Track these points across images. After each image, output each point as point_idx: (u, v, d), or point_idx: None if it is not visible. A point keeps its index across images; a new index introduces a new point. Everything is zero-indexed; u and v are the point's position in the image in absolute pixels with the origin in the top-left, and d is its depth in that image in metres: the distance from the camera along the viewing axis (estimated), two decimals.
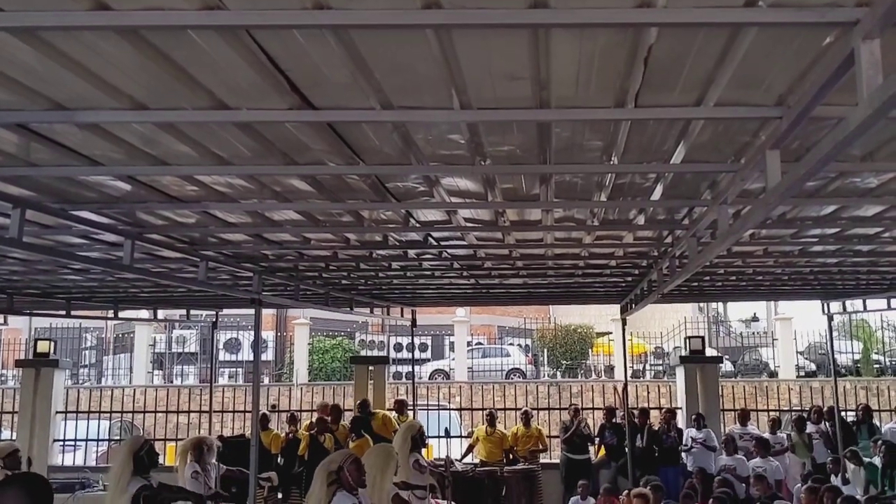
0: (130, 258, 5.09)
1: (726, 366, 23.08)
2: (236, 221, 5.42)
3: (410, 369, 14.52)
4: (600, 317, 26.16)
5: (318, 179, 4.24)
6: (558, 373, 25.81)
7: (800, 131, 3.01)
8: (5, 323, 14.41)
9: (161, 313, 13.92)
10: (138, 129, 3.33)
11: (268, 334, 25.20)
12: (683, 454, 11.38)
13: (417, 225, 5.67)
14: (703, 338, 14.25)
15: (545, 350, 26.91)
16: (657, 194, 4.54)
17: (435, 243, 6.41)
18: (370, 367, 13.53)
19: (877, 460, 9.92)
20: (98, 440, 14.64)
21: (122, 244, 5.21)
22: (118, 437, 15.11)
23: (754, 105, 3.00)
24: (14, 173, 3.90)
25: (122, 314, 12.90)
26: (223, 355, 23.97)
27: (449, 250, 6.80)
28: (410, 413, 12.30)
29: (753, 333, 29.03)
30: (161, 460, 8.03)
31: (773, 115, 3.01)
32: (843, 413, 11.99)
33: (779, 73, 2.76)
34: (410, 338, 14.08)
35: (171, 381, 24.12)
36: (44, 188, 4.31)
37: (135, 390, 20.34)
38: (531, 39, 2.46)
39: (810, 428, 11.67)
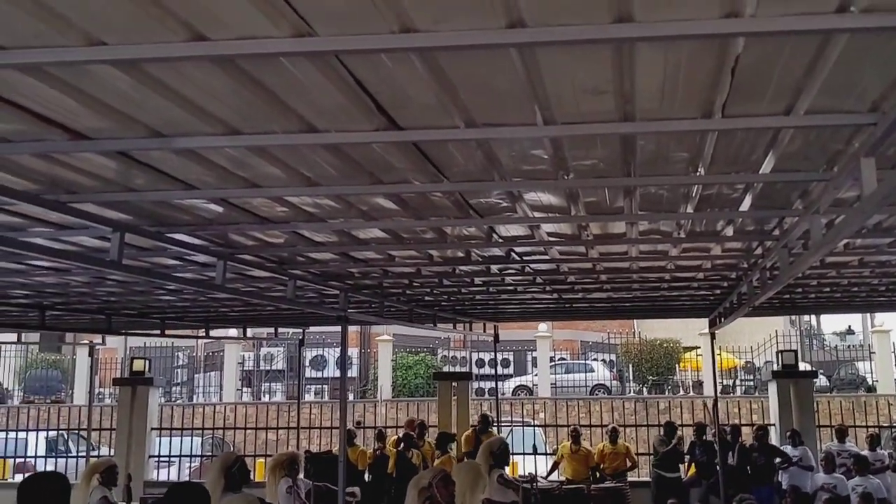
0: (223, 278, 5.26)
1: (821, 380, 22.29)
2: (323, 240, 5.54)
3: (493, 385, 14.51)
4: (687, 331, 25.62)
5: (403, 198, 4.31)
6: (644, 388, 25.36)
7: (895, 138, 2.92)
8: (103, 343, 15.03)
9: (249, 332, 14.28)
10: (230, 153, 3.44)
11: (352, 351, 25.55)
12: (779, 472, 11.04)
13: (500, 240, 5.68)
14: (795, 352, 13.84)
15: (630, 365, 26.49)
16: (746, 205, 4.44)
17: (517, 258, 6.42)
18: (453, 384, 13.58)
19: None
20: (191, 456, 15.08)
21: (215, 265, 5.40)
22: (210, 453, 15.52)
23: (847, 112, 2.92)
24: (114, 199, 4.08)
25: (212, 333, 13.31)
26: (309, 372, 24.40)
27: (531, 265, 6.80)
28: (494, 429, 12.28)
29: (849, 347, 28.05)
30: (252, 476, 8.22)
31: (866, 121, 2.93)
32: None
33: (872, 78, 2.68)
34: (493, 353, 14.09)
35: (260, 398, 24.68)
36: (141, 212, 4.49)
37: (225, 407, 20.90)
38: (615, 53, 2.46)
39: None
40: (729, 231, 5.42)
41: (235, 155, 3.47)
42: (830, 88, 2.69)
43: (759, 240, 5.77)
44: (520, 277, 7.60)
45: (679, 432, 12.06)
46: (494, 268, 6.96)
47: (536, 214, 4.76)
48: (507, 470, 9.08)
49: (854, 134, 3.22)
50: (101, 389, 24.98)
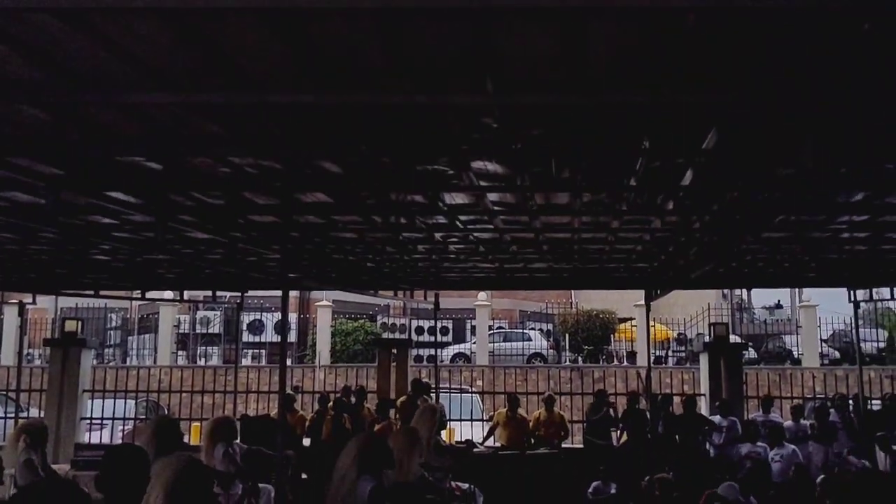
0: (162, 238, 5.15)
1: (750, 353, 22.98)
2: (265, 203, 5.45)
3: (432, 352, 14.60)
4: (622, 302, 26.10)
5: (349, 162, 4.26)
6: (580, 358, 25.81)
7: None
8: (33, 302, 14.64)
9: (186, 294, 14.06)
10: (173, 111, 3.35)
11: (290, 316, 25.39)
12: (706, 441, 11.39)
13: (444, 208, 5.67)
14: (727, 324, 14.22)
15: (567, 335, 26.91)
16: (688, 180, 4.51)
17: (461, 227, 6.42)
18: (393, 350, 13.62)
19: None
20: (124, 419, 14.86)
21: (153, 224, 5.28)
22: (144, 416, 15.31)
23: None
24: (49, 153, 3.94)
25: (147, 295, 13.07)
26: (246, 337, 24.18)
27: (475, 234, 6.81)
28: (432, 395, 12.37)
29: (777, 321, 28.92)
30: (186, 439, 8.13)
31: None
32: (868, 401, 11.94)
33: None
34: (433, 321, 14.16)
35: (195, 362, 24.38)
36: (78, 168, 4.35)
37: (160, 370, 20.60)
38: (566, 24, 2.46)
39: (833, 416, 11.61)
40: (670, 205, 5.51)
41: (178, 112, 3.38)
42: None
43: (699, 215, 5.87)
44: (463, 246, 7.61)
45: (612, 400, 12.34)
46: (438, 235, 6.96)
47: (482, 183, 4.76)
48: (444, 435, 9.17)
49: None
50: (31, 350, 24.37)
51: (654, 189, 5.01)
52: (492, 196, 5.33)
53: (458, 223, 6.28)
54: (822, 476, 9.05)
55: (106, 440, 13.82)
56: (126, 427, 15.10)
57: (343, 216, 6.00)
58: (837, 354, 24.16)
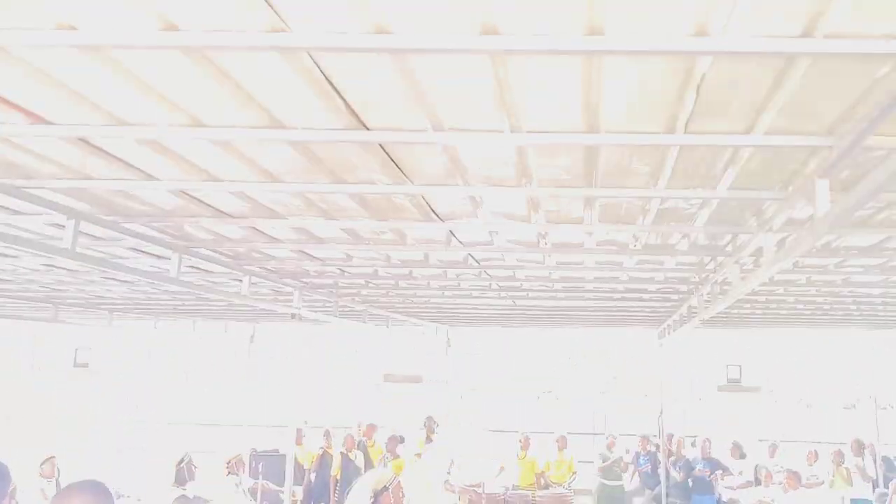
0: (178, 271, 5.20)
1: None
2: (281, 237, 5.50)
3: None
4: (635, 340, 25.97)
5: (366, 198, 4.30)
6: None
7: (849, 161, 3.01)
8: None
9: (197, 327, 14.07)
10: (193, 145, 3.41)
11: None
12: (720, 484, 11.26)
13: (460, 244, 5.70)
14: (740, 366, 14.08)
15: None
16: (702, 220, 4.53)
17: (475, 263, 6.45)
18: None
19: None
20: None
21: (170, 257, 5.33)
22: None
23: (805, 133, 3.00)
24: (71, 185, 4.00)
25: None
26: None
27: (489, 271, 6.83)
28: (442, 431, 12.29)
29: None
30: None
31: (823, 143, 3.01)
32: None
33: (830, 102, 2.76)
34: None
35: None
36: (97, 201, 4.41)
37: None
38: (585, 65, 2.50)
39: (849, 462, 11.45)
40: (683, 245, 5.52)
41: (198, 147, 3.43)
42: (790, 110, 2.77)
43: (712, 255, 5.88)
44: (476, 282, 7.63)
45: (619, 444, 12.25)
46: (452, 272, 6.98)
47: (497, 221, 4.79)
48: (454, 473, 9.12)
49: (810, 155, 3.30)
50: None
51: (668, 229, 5.02)
52: (506, 234, 5.36)
53: (472, 259, 6.31)
54: None
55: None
56: None
57: (357, 251, 6.04)
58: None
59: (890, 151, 3.05)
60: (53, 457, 9.46)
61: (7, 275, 7.42)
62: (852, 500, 10.48)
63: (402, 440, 11.13)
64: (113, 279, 7.44)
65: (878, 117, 2.56)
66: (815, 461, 11.72)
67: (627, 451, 12.05)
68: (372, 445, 10.97)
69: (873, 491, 10.61)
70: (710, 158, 3.46)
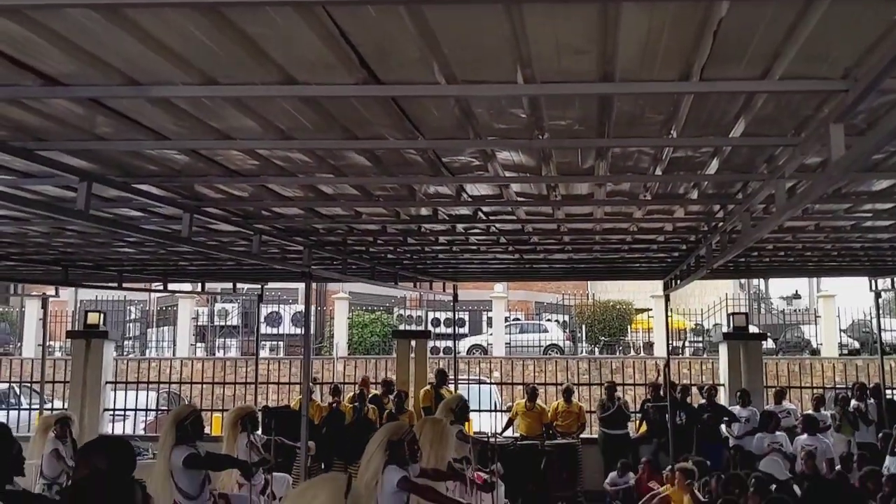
0: (189, 231, 5.21)
1: (768, 343, 22.89)
2: (291, 195, 5.51)
3: (451, 344, 14.63)
4: (639, 293, 26.08)
5: (376, 154, 4.30)
6: (596, 349, 25.80)
7: (865, 105, 3.00)
8: (56, 295, 14.78)
9: (206, 286, 14.14)
10: (205, 103, 3.40)
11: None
12: (724, 429, 11.39)
13: (469, 199, 5.71)
14: (746, 314, 14.17)
15: (583, 326, 26.90)
16: (713, 168, 4.53)
17: (484, 217, 6.46)
18: (412, 342, 13.66)
19: None
20: (146, 410, 15.01)
21: (180, 217, 5.34)
22: (165, 408, 15.44)
23: (820, 78, 2.98)
24: (82, 147, 4.00)
25: (168, 287, 13.18)
26: (264, 328, 24.30)
27: (497, 225, 6.84)
28: (451, 387, 12.42)
29: (795, 311, 28.77)
30: (207, 430, 8.20)
31: (838, 87, 3.00)
32: (888, 391, 11.89)
33: (846, 46, 2.74)
34: (452, 313, 14.20)
35: (214, 354, 24.55)
36: (108, 161, 4.41)
37: (179, 362, 20.76)
38: (600, 13, 2.48)
39: (853, 406, 11.57)
40: (694, 194, 5.52)
41: (209, 105, 3.42)
42: (806, 54, 2.75)
43: (722, 203, 5.88)
44: (484, 237, 7.65)
45: (618, 393, 12.36)
46: (460, 227, 6.99)
47: (507, 174, 4.79)
48: (465, 426, 9.23)
49: (824, 100, 3.29)
50: (51, 343, 24.57)
51: (679, 178, 5.02)
52: (516, 187, 5.36)
53: (480, 214, 6.31)
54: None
55: (129, 431, 13.97)
56: (148, 418, 15.26)
57: (366, 207, 6.05)
58: (857, 344, 24.00)
59: None
60: (66, 416, 9.60)
61: (16, 238, 7.44)
62: (858, 444, 10.59)
63: (406, 396, 11.31)
64: (121, 240, 7.45)
65: (893, 60, 2.54)
66: (821, 406, 11.85)
67: (624, 403, 12.21)
68: (387, 402, 11.11)
69: (877, 434, 10.73)
70: (723, 105, 3.45)
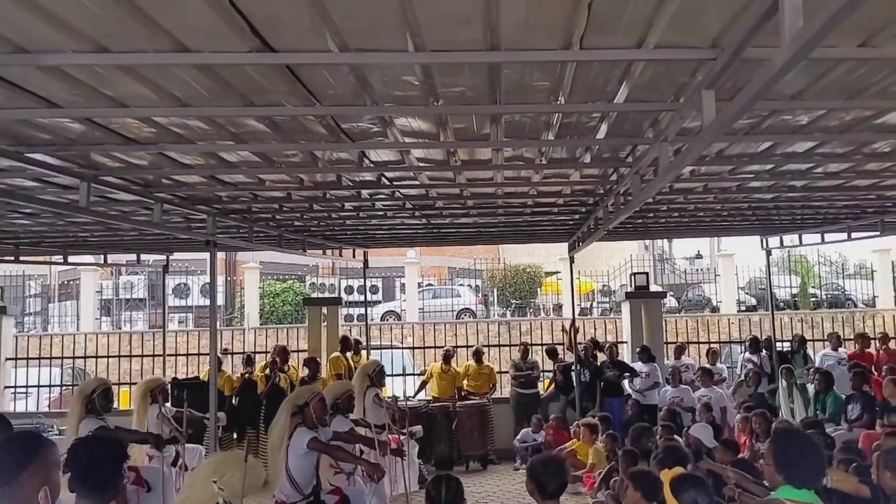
0: (87, 200, 5.14)
1: (670, 301, 23.76)
2: (191, 163, 5.48)
3: (363, 311, 14.71)
4: (548, 256, 26.63)
5: (275, 121, 4.34)
6: (508, 312, 26.29)
7: (732, 72, 3.21)
8: None
9: (109, 259, 13.81)
10: (98, 71, 3.38)
11: (217, 279, 25.04)
12: (626, 385, 11.87)
13: (371, 165, 5.78)
14: (647, 274, 14.68)
15: (495, 290, 27.37)
16: (602, 133, 4.73)
17: (388, 183, 6.55)
18: (323, 309, 13.68)
19: (811, 387, 10.45)
20: (50, 386, 14.65)
21: (77, 187, 5.26)
22: (70, 383, 15.10)
23: (691, 47, 3.19)
24: None
25: (69, 260, 12.81)
26: (172, 300, 23.84)
27: (401, 190, 6.94)
28: (364, 353, 12.52)
29: (697, 270, 29.87)
30: (114, 402, 8.09)
31: (707, 56, 3.21)
32: (778, 344, 12.57)
33: (713, 16, 2.93)
34: (363, 279, 14.27)
35: (120, 328, 23.99)
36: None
37: (84, 337, 20.19)
38: None
39: (746, 357, 12.25)
40: (587, 158, 5.74)
41: (103, 73, 3.40)
42: (677, 24, 2.93)
43: (614, 166, 6.13)
44: (390, 202, 7.74)
45: (530, 356, 12.76)
46: (365, 192, 7.06)
47: (407, 140, 4.89)
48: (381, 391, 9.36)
49: (697, 67, 3.50)
50: None
51: (571, 143, 5.22)
52: (417, 152, 5.47)
53: (384, 179, 6.40)
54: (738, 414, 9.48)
55: (32, 408, 13.62)
56: (52, 394, 14.89)
57: (269, 174, 6.06)
58: (754, 301, 25.14)
59: (765, 62, 3.26)
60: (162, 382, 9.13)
61: None
62: (758, 394, 11.18)
63: (317, 361, 11.38)
64: (16, 211, 7.24)
65: (753, 30, 2.74)
66: (716, 360, 12.49)
67: (536, 366, 12.59)
68: (288, 369, 11.14)
69: (768, 385, 11.38)
70: (606, 72, 3.63)
